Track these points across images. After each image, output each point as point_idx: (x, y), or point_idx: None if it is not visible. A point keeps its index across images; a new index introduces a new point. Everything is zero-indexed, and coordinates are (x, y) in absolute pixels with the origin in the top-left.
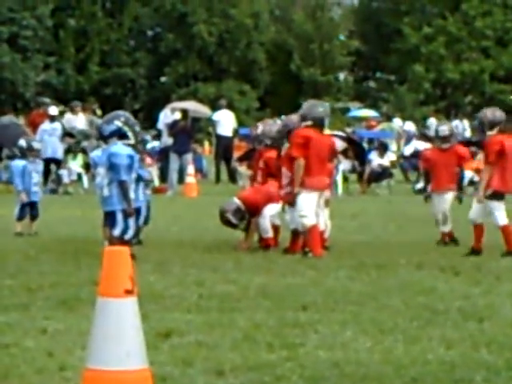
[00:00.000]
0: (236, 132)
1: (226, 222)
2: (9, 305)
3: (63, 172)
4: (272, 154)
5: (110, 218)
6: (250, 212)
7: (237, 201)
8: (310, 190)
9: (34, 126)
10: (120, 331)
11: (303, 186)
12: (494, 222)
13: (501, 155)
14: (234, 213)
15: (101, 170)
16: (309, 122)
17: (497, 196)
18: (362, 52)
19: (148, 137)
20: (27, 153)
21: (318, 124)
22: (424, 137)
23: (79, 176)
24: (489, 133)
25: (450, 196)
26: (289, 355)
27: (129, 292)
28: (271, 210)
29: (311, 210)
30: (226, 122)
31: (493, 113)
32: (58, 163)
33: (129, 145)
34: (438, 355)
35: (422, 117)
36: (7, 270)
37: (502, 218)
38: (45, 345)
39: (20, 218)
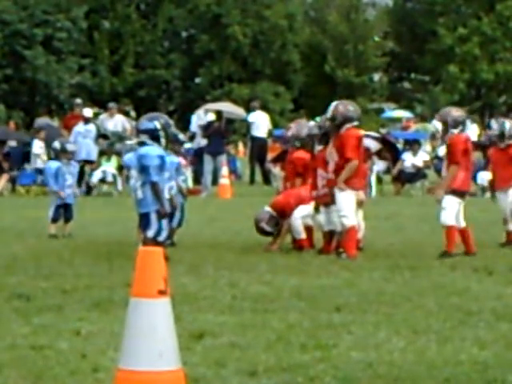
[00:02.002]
0: (270, 133)
1: (262, 231)
2: (43, 307)
3: (95, 174)
4: (299, 154)
5: (144, 220)
6: (283, 216)
7: (268, 209)
8: (351, 189)
9: (69, 128)
10: (152, 332)
11: (347, 185)
12: (440, 219)
13: (465, 155)
14: (267, 221)
15: (133, 173)
16: (355, 123)
17: (457, 194)
18: (396, 53)
19: (183, 137)
20: (61, 155)
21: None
22: None
23: (114, 178)
24: (453, 131)
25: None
26: (322, 356)
27: (162, 292)
28: (302, 212)
29: (352, 210)
30: (260, 123)
31: (457, 111)
32: (92, 165)
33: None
34: (471, 356)
35: None
36: (41, 272)
37: (450, 218)
38: (78, 346)
39: (54, 219)
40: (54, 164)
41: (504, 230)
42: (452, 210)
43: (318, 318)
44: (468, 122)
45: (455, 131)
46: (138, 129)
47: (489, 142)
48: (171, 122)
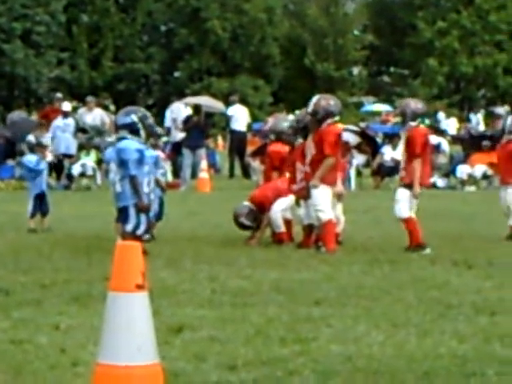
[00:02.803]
0: (250, 127)
1: (241, 225)
2: (22, 301)
3: (75, 167)
4: (276, 147)
5: (122, 214)
6: (261, 210)
7: (247, 203)
8: (326, 185)
9: (48, 122)
10: (131, 326)
11: (322, 181)
12: (396, 212)
13: (423, 148)
14: (246, 216)
15: (112, 166)
16: (336, 118)
17: (411, 188)
18: (375, 46)
19: (160, 130)
20: (36, 148)
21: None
22: (436, 131)
23: (93, 172)
24: (411, 124)
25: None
26: (301, 350)
27: (140, 287)
28: (281, 205)
29: (327, 204)
30: (239, 116)
31: (416, 104)
32: (71, 159)
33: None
34: (451, 349)
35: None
36: (21, 267)
37: (405, 210)
38: (58, 341)
39: (33, 214)
40: (33, 158)
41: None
42: (406, 202)
43: (297, 311)
44: (442, 116)
45: (413, 124)
46: (116, 124)
47: (468, 135)
48: (148, 114)
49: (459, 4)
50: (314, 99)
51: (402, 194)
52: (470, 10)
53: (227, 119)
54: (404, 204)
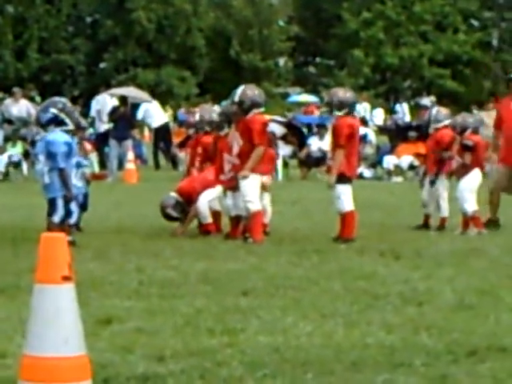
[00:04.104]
0: (175, 117)
1: (168, 216)
2: None
3: (1, 159)
4: (209, 139)
5: (50, 205)
6: (189, 201)
7: (174, 194)
8: (255, 173)
9: None
10: (57, 318)
11: (251, 170)
12: (337, 207)
13: (349, 138)
14: (173, 207)
15: (41, 158)
16: (262, 109)
17: (343, 180)
18: (301, 37)
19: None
20: None
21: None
22: (362, 122)
23: (18, 163)
24: (337, 113)
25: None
26: (229, 341)
27: (66, 278)
28: (208, 196)
29: (256, 195)
30: (154, 113)
31: (344, 93)
32: None
33: (68, 131)
34: (378, 339)
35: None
36: None
37: (348, 204)
38: None
39: None
40: None
41: (422, 214)
42: (346, 195)
43: (225, 302)
44: (366, 106)
45: (339, 113)
46: (41, 124)
47: (394, 126)
48: (65, 101)
49: None
50: (240, 89)
51: (340, 190)
52: (395, 0)
53: (146, 122)
54: (345, 197)
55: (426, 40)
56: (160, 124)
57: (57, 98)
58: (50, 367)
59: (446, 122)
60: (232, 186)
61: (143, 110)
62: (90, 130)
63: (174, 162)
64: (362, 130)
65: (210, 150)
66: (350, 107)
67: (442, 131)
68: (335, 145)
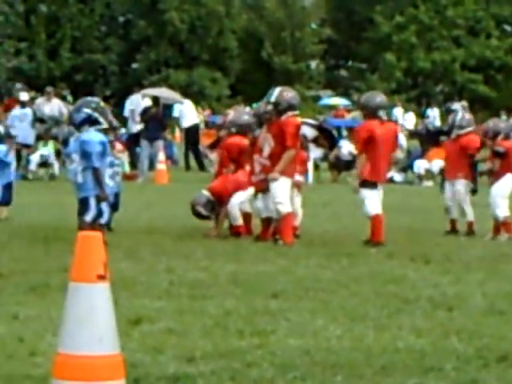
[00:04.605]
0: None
1: (198, 214)
2: None
3: (33, 158)
4: (234, 140)
5: (82, 204)
6: (220, 201)
7: (206, 193)
8: (286, 176)
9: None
10: (92, 316)
11: (282, 173)
12: (364, 211)
13: (371, 143)
14: (204, 205)
15: (75, 157)
16: (296, 112)
17: (367, 185)
18: (333, 40)
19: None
20: (5, 139)
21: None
22: None
23: (50, 162)
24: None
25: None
26: (259, 342)
27: (101, 277)
28: (239, 198)
29: (287, 197)
30: (187, 112)
31: (375, 97)
32: (29, 149)
33: (102, 130)
34: (408, 343)
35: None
36: None
37: (372, 208)
38: (16, 331)
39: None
40: (3, 148)
41: (447, 219)
42: (371, 200)
43: (254, 304)
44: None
45: (373, 119)
46: (74, 124)
47: (425, 130)
48: (98, 100)
49: None
50: (276, 90)
51: (365, 194)
52: (428, 4)
53: (178, 121)
54: (369, 201)
55: (459, 45)
56: (190, 124)
57: (90, 98)
58: (83, 365)
59: (470, 129)
60: (262, 188)
61: (178, 109)
62: (122, 130)
63: (200, 163)
64: None
65: (239, 151)
66: (378, 111)
67: (469, 137)
68: (358, 150)
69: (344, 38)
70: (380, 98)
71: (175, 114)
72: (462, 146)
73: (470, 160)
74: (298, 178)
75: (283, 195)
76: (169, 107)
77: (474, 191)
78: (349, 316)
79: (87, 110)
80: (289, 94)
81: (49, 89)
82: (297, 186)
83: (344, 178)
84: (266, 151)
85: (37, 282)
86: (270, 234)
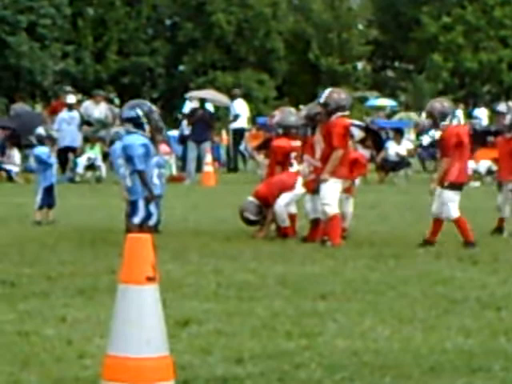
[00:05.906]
0: (253, 121)
1: (247, 220)
2: (28, 293)
3: (80, 161)
4: (280, 142)
5: (131, 207)
6: (266, 204)
7: (252, 198)
8: (337, 178)
9: (55, 115)
10: (141, 318)
11: (332, 174)
12: (445, 214)
13: (457, 147)
14: (251, 211)
15: (121, 161)
16: (346, 112)
17: (454, 187)
18: (380, 41)
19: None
20: (46, 141)
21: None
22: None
23: (97, 165)
24: (443, 123)
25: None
26: (307, 344)
27: (150, 279)
28: (285, 199)
29: (335, 198)
30: (241, 113)
31: (441, 103)
32: (76, 152)
33: (148, 132)
34: (457, 344)
35: None
36: (26, 259)
37: (454, 210)
38: (64, 333)
39: (41, 207)
40: (45, 150)
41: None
42: (454, 202)
43: (302, 305)
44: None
45: (444, 123)
46: (121, 118)
47: (472, 131)
48: (154, 108)
49: None
50: (326, 91)
51: (447, 196)
52: (475, 5)
53: (235, 117)
54: (453, 204)
55: (506, 45)
56: (238, 126)
57: (145, 101)
58: (133, 368)
59: None
60: (312, 189)
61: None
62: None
63: (235, 165)
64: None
65: (285, 153)
66: (452, 115)
67: None
68: (442, 154)
69: (391, 39)
70: (446, 103)
71: (236, 110)
72: None
73: None
74: (349, 182)
75: (331, 196)
76: (216, 109)
77: None
78: (397, 317)
79: (139, 112)
80: (337, 95)
81: (98, 92)
82: (349, 190)
83: (391, 179)
84: (318, 153)
85: (85, 285)
86: (319, 235)
